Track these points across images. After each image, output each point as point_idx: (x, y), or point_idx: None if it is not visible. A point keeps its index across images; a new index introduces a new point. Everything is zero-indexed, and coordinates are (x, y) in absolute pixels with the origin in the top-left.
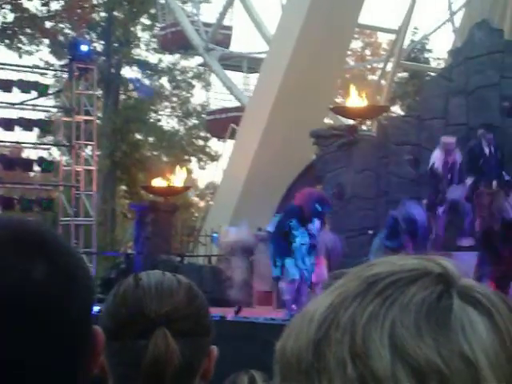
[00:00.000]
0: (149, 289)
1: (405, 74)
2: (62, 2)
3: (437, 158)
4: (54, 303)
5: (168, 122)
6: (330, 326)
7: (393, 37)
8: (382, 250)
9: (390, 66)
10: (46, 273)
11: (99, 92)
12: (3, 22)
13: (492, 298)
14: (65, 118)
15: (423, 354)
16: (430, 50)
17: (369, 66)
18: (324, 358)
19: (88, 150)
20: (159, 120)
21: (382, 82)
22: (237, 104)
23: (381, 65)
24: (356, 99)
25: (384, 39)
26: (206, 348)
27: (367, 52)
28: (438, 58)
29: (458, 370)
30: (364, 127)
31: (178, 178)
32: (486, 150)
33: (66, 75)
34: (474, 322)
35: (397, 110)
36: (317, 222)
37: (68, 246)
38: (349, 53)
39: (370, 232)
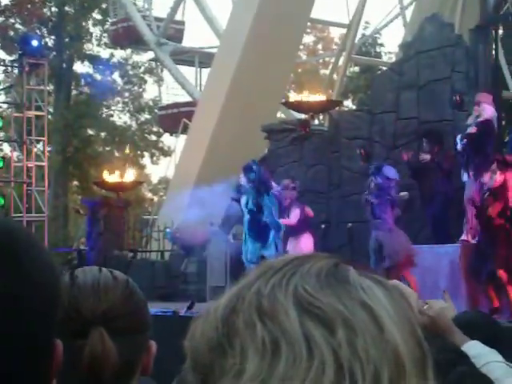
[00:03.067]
0: (85, 287)
1: (356, 69)
2: None
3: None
4: (7, 317)
5: (120, 117)
6: (237, 301)
7: (344, 31)
8: None
9: (341, 61)
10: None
11: (50, 87)
12: None
13: (383, 278)
14: (16, 114)
15: (328, 304)
16: (381, 44)
17: (321, 61)
18: (233, 326)
19: (39, 146)
20: (111, 115)
21: (334, 76)
22: (189, 99)
23: (333, 59)
24: (308, 93)
25: (336, 33)
26: (144, 344)
27: (319, 46)
28: (390, 52)
29: (361, 318)
30: (316, 121)
31: (130, 173)
32: None
33: (16, 70)
34: (371, 286)
35: (349, 104)
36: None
37: (34, 252)
38: (301, 47)
39: (323, 226)
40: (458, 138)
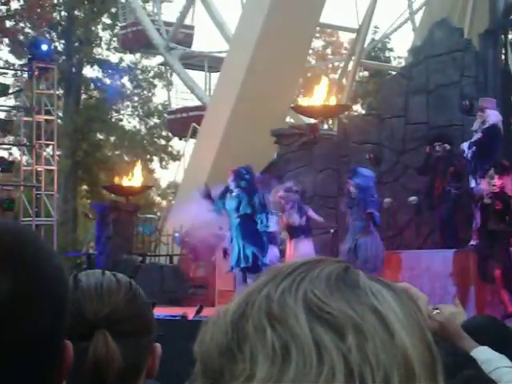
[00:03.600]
0: (88, 290)
1: (366, 73)
2: (22, 1)
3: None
4: (18, 318)
5: (129, 121)
6: (246, 306)
7: (354, 36)
8: None
9: (351, 65)
10: (10, 287)
11: (60, 91)
12: None
13: (392, 282)
14: (25, 118)
15: (338, 309)
16: (390, 49)
17: (330, 65)
18: (243, 331)
19: (49, 150)
20: (120, 119)
21: (344, 80)
22: (198, 103)
23: (342, 64)
24: (317, 98)
25: (345, 38)
26: (148, 347)
27: (328, 51)
28: (399, 57)
29: (371, 323)
30: (325, 126)
31: (139, 178)
32: None
33: (26, 75)
34: (381, 290)
35: (358, 108)
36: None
37: (42, 253)
38: (310, 52)
39: (332, 231)
40: (466, 145)
